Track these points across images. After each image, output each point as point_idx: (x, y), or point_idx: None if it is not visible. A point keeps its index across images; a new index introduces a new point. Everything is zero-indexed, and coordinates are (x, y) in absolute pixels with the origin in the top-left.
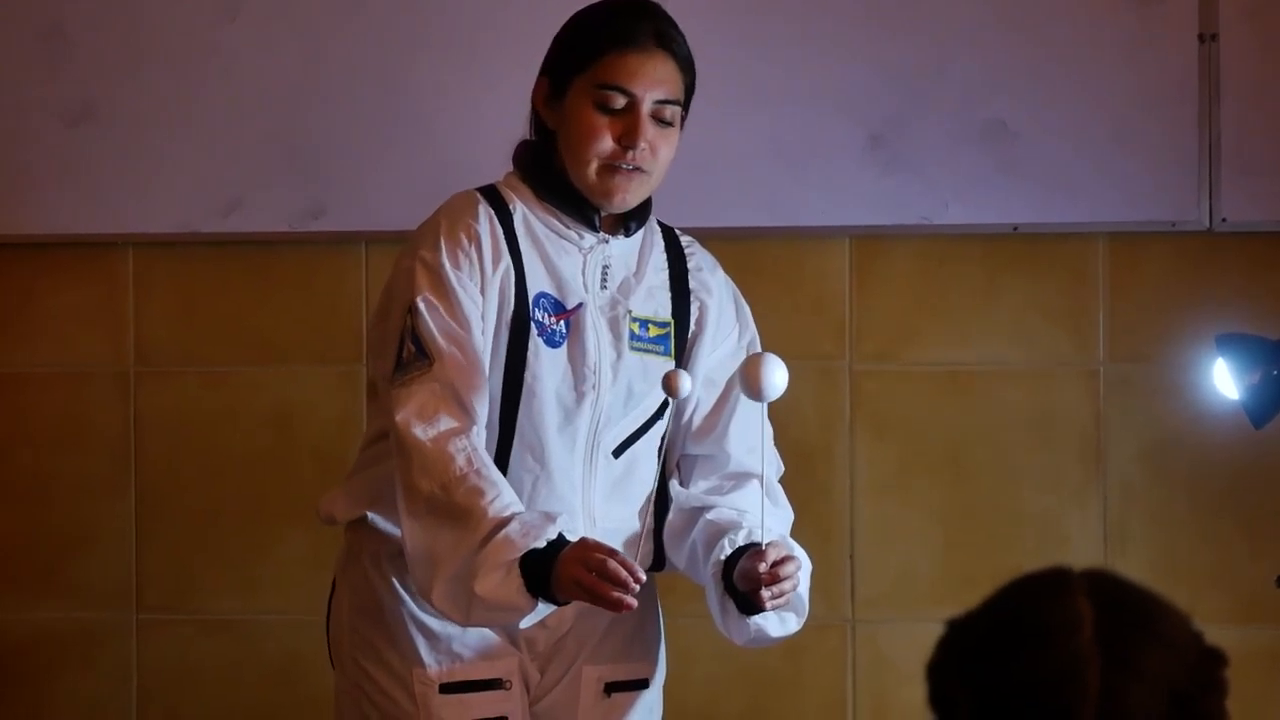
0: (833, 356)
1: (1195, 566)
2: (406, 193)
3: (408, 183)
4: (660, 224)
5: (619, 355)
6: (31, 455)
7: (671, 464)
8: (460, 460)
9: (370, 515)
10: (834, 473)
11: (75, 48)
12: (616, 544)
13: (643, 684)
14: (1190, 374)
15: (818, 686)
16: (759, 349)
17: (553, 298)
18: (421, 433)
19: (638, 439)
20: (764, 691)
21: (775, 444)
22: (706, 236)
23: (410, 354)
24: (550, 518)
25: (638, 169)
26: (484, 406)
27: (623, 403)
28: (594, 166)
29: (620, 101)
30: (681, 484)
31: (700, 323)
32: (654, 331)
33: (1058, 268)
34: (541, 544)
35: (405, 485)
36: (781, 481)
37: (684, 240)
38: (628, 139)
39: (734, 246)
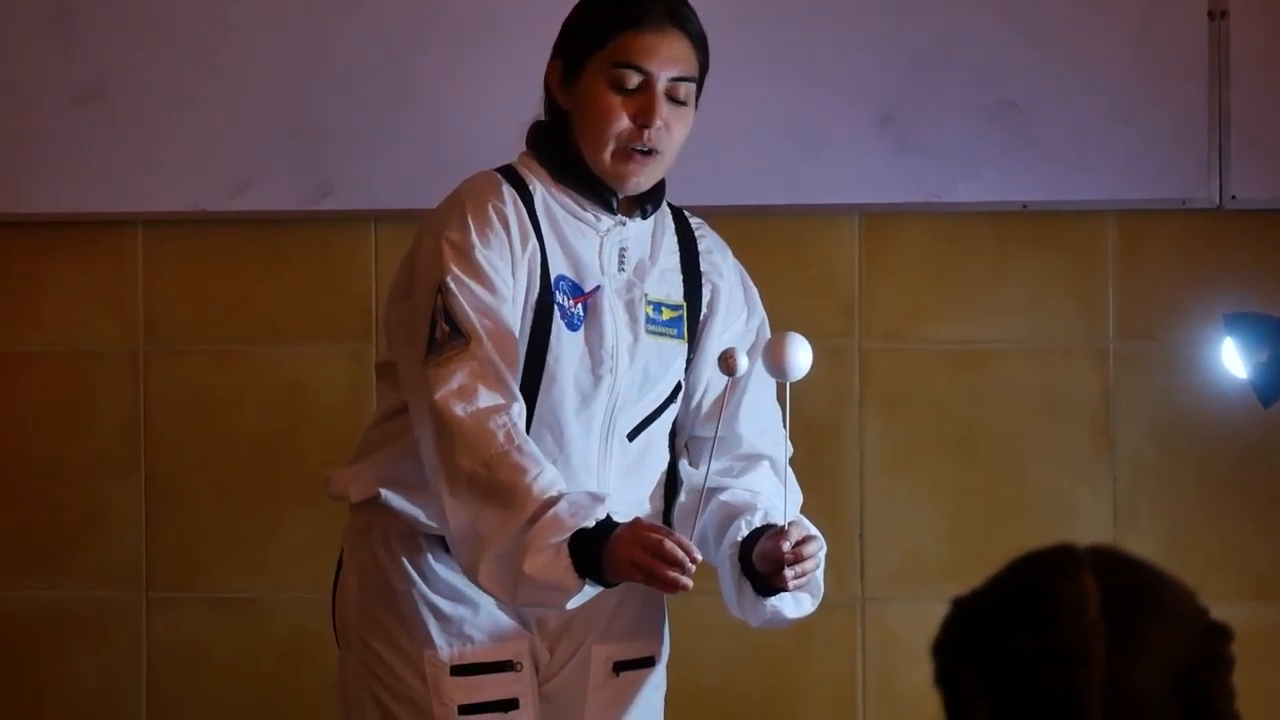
0: (842, 335)
1: (1204, 544)
2: (415, 171)
3: (416, 161)
4: (669, 205)
5: (636, 338)
6: (41, 435)
7: (680, 446)
8: (501, 437)
9: (383, 493)
10: (843, 451)
11: (83, 27)
12: None
13: (649, 662)
14: (1200, 352)
15: (827, 665)
16: (768, 332)
17: (571, 280)
18: (461, 411)
19: (652, 422)
20: (774, 670)
21: (782, 426)
22: (716, 214)
23: (444, 334)
24: (598, 498)
25: (653, 151)
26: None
27: (638, 386)
28: (610, 149)
29: (635, 80)
30: (691, 466)
31: (712, 305)
32: (667, 315)
33: (1067, 246)
34: (590, 524)
35: (446, 465)
36: (791, 462)
37: (693, 222)
38: (643, 118)
39: (744, 225)
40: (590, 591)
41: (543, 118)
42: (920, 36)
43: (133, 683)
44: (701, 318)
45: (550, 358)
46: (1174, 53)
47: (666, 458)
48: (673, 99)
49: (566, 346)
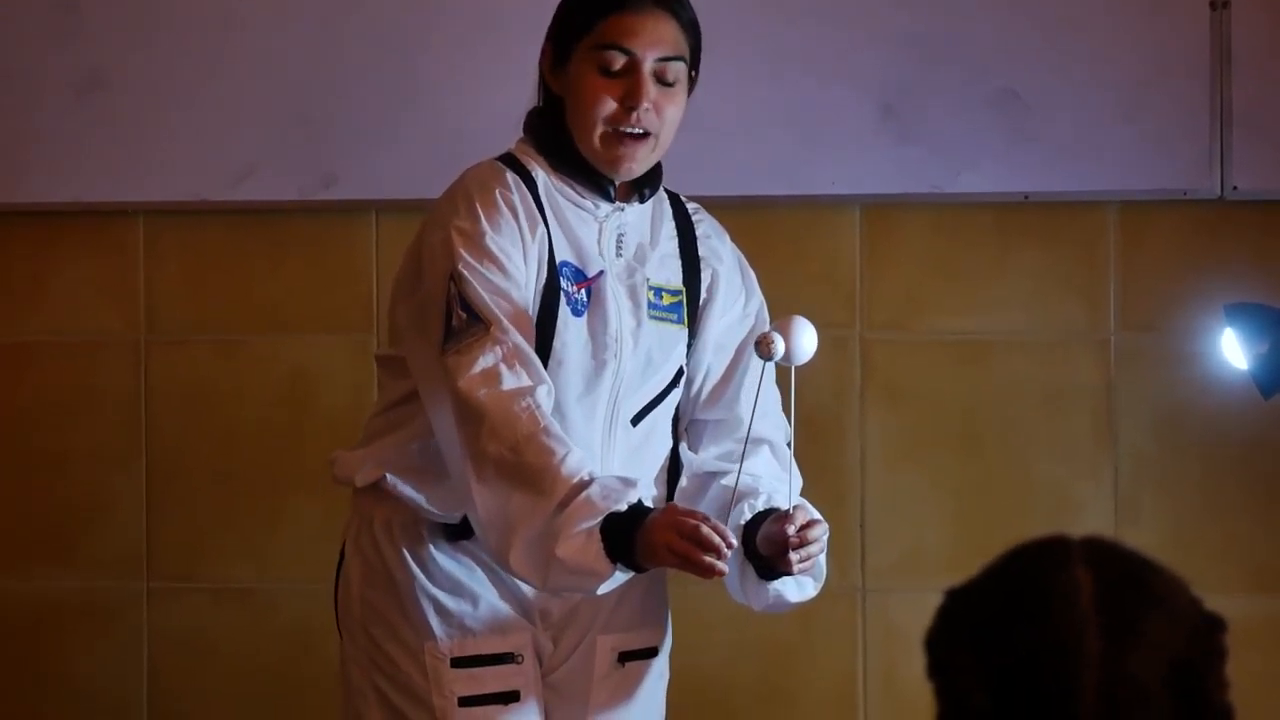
0: (843, 326)
1: (1206, 536)
2: (417, 162)
3: (419, 152)
4: (666, 191)
5: (639, 323)
6: (42, 425)
7: (681, 430)
8: (526, 419)
9: (388, 477)
10: (845, 442)
11: (86, 16)
12: None
13: (653, 652)
14: (1201, 343)
15: (828, 655)
16: (766, 316)
17: (574, 266)
18: (485, 395)
19: (655, 407)
20: (775, 660)
21: (784, 411)
22: (717, 205)
23: (461, 321)
24: (629, 482)
25: (645, 134)
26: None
27: (641, 371)
28: (599, 132)
29: (620, 61)
30: (691, 450)
31: (711, 290)
32: (667, 300)
33: (1069, 237)
34: (623, 508)
35: (472, 451)
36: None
37: (690, 207)
38: (630, 99)
39: (745, 215)
40: (621, 577)
41: (538, 105)
42: (922, 27)
43: (134, 673)
44: (701, 302)
45: (557, 343)
46: (1176, 44)
47: (669, 443)
48: (661, 80)
49: (572, 332)
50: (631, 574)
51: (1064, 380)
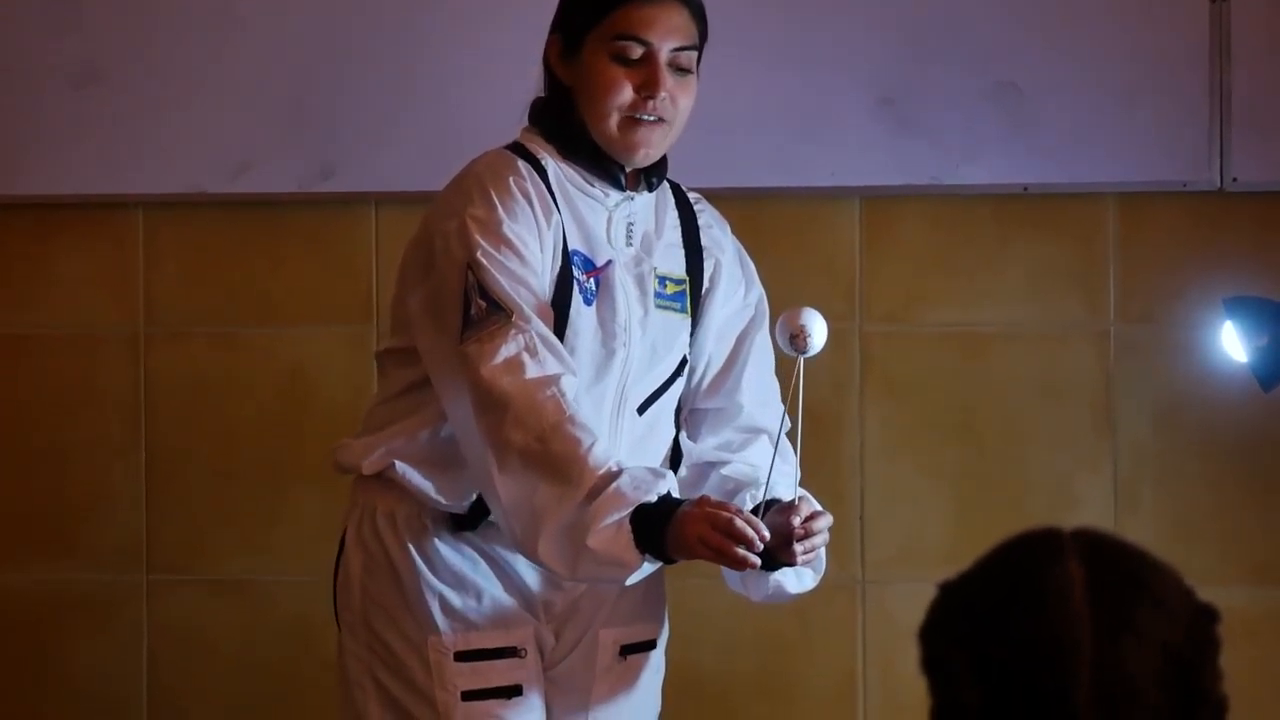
0: (843, 317)
1: (1206, 528)
2: (416, 154)
3: (418, 144)
4: (668, 181)
5: (646, 312)
6: (40, 418)
7: (682, 420)
8: (551, 408)
9: (397, 464)
10: (844, 434)
11: (83, 8)
12: None
13: (651, 645)
14: (1201, 335)
15: (827, 647)
16: (766, 307)
17: (584, 254)
18: (509, 385)
19: (660, 396)
20: (773, 654)
21: (794, 403)
22: (716, 196)
23: (481, 310)
24: (659, 474)
25: (660, 120)
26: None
27: (647, 360)
28: (614, 119)
29: (637, 52)
30: (690, 439)
31: (714, 279)
32: (671, 289)
33: (1068, 228)
34: (653, 499)
35: (494, 441)
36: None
37: (691, 196)
38: (648, 89)
39: (744, 207)
40: (649, 568)
41: (542, 94)
42: (921, 18)
43: (133, 665)
44: (704, 291)
45: (569, 332)
46: (1175, 35)
47: (672, 431)
48: (676, 68)
49: (583, 321)
50: (659, 565)
51: (1063, 372)
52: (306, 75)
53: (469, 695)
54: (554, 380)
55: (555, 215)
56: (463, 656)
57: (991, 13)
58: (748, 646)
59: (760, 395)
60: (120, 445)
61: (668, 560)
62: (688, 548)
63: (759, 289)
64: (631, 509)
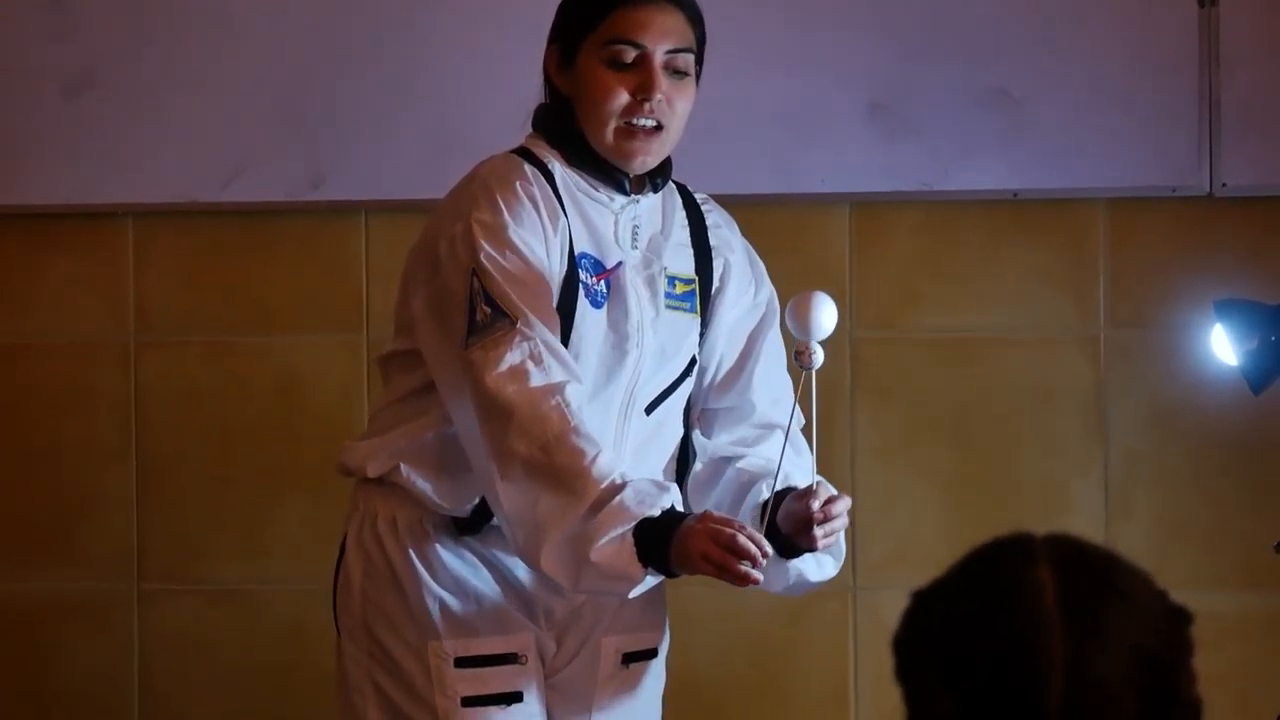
0: None
1: (1197, 532)
2: (406, 162)
3: (407, 152)
4: (674, 182)
5: (657, 313)
6: (33, 426)
7: (692, 419)
8: (556, 418)
9: (403, 467)
10: (835, 440)
11: (75, 17)
12: None
13: (653, 653)
14: (1191, 339)
15: (820, 652)
16: (776, 306)
17: (593, 257)
18: (514, 393)
19: (669, 395)
20: (767, 659)
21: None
22: None
23: (485, 316)
24: (663, 487)
25: (657, 126)
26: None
27: (657, 360)
28: (611, 127)
29: (631, 55)
30: (704, 436)
31: (724, 278)
32: (680, 289)
33: (1058, 234)
34: (656, 512)
35: (497, 450)
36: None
37: (699, 197)
38: (643, 92)
39: (735, 212)
40: (652, 581)
41: (545, 102)
42: (911, 24)
43: (125, 674)
44: (713, 291)
45: (575, 335)
46: (1165, 40)
47: (680, 432)
48: (672, 71)
49: (590, 324)
50: (662, 579)
51: (1054, 377)
52: (296, 84)
53: (469, 701)
54: (558, 389)
55: (562, 219)
56: (463, 662)
57: (982, 19)
58: (741, 651)
59: (773, 393)
60: (112, 453)
61: (670, 574)
62: (691, 563)
63: (769, 288)
64: (635, 523)
